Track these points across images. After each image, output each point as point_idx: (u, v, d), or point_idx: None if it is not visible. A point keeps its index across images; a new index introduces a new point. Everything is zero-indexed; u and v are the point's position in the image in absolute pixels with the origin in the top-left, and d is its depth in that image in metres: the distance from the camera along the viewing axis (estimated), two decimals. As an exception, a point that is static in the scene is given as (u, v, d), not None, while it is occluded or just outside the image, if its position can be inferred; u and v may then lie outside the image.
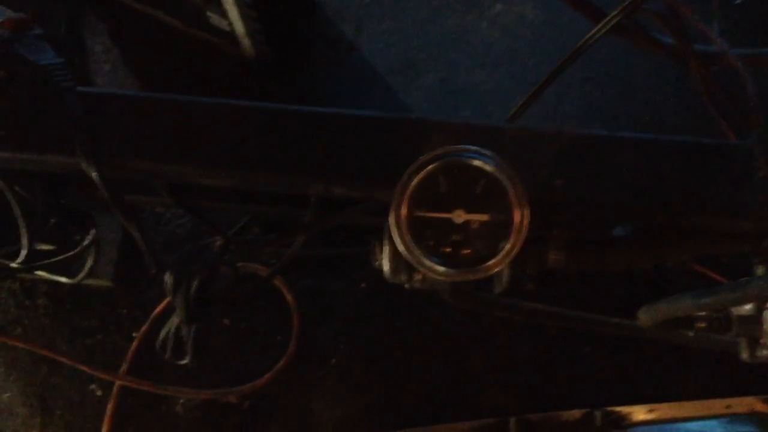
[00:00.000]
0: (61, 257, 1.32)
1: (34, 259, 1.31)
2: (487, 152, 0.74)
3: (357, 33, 1.32)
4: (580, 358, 1.61)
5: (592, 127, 1.33)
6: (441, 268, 0.74)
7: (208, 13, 1.19)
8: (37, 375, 1.67)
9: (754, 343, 1.12)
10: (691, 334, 1.22)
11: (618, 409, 1.56)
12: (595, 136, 0.83)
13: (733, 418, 1.56)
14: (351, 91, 1.29)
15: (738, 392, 1.55)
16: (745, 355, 1.13)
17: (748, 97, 0.77)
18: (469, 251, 0.75)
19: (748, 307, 1.11)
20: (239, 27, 1.16)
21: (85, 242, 1.33)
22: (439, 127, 0.84)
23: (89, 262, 1.46)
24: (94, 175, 0.83)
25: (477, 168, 0.73)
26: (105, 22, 1.29)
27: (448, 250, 0.75)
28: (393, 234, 0.73)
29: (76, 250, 1.33)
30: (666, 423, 1.57)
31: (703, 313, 1.10)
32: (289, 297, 1.64)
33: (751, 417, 1.56)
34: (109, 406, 1.63)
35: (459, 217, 0.73)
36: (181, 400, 1.63)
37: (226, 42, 1.21)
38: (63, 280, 1.51)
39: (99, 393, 1.67)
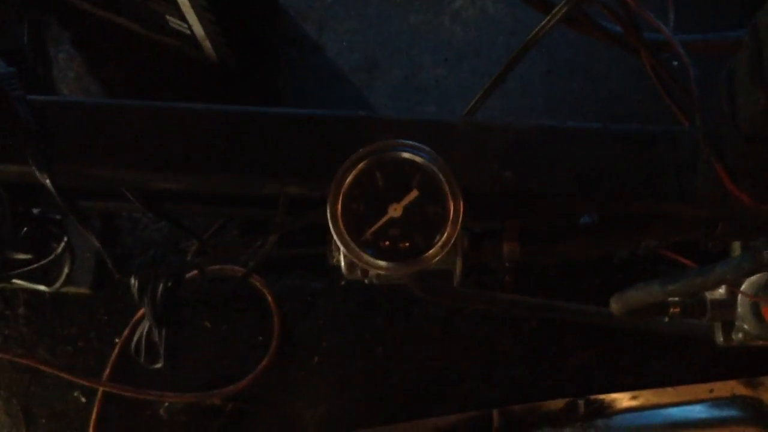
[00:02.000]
0: (34, 266, 1.32)
1: (10, 268, 1.32)
2: (420, 146, 0.75)
3: (320, 33, 1.33)
4: (561, 349, 1.61)
5: (556, 120, 1.33)
6: (379, 262, 0.75)
7: (168, 17, 1.20)
8: (20, 384, 1.68)
9: (729, 326, 1.13)
10: (666, 320, 1.22)
11: (601, 397, 1.57)
12: (543, 127, 0.84)
13: (716, 402, 1.56)
14: (315, 90, 1.29)
15: (720, 376, 1.55)
16: (720, 339, 1.14)
17: (690, 83, 0.77)
18: (407, 244, 0.76)
19: (721, 291, 1.12)
20: (198, 30, 1.17)
21: (58, 250, 1.34)
22: (390, 123, 0.84)
23: (65, 270, 1.47)
24: (46, 183, 0.84)
25: (408, 161, 0.74)
26: (68, 30, 1.29)
27: (386, 243, 0.76)
28: (331, 230, 0.74)
29: (49, 258, 1.33)
30: (649, 409, 1.58)
31: (677, 299, 1.11)
32: (269, 297, 1.65)
33: (733, 400, 1.56)
34: (94, 413, 1.64)
35: (395, 210, 0.75)
36: (165, 404, 1.64)
37: (187, 46, 1.22)
38: (41, 288, 1.52)
39: (83, 400, 1.67)
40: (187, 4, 1.11)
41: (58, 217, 1.32)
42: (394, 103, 1.29)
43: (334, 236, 0.75)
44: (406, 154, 0.75)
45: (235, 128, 0.86)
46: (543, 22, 0.89)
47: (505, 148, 0.82)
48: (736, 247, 1.08)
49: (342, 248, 0.74)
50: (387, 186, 0.76)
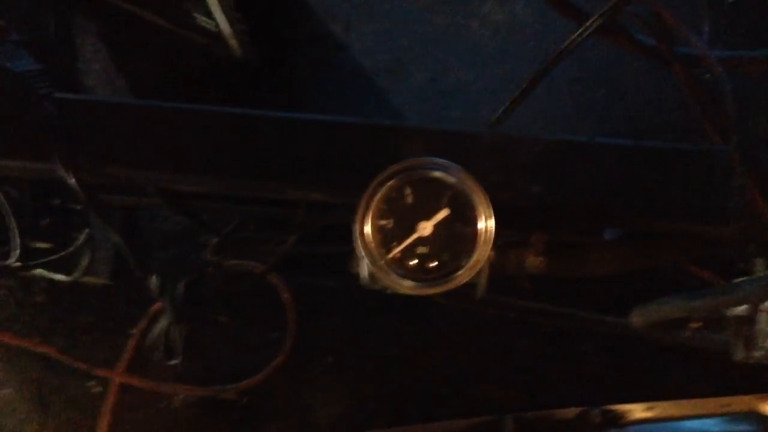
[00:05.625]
0: (55, 256, 1.33)
1: (31, 257, 1.33)
2: (452, 165, 0.73)
3: (346, 32, 1.31)
4: (577, 356, 1.60)
5: (582, 128, 1.32)
6: (407, 282, 0.73)
7: (195, 14, 1.19)
8: (36, 372, 1.69)
9: (749, 343, 1.11)
10: (686, 333, 1.20)
11: (615, 407, 1.55)
12: (572, 142, 0.83)
13: (732, 417, 1.54)
14: (340, 91, 1.28)
15: (737, 391, 1.53)
16: (740, 356, 1.12)
17: (726, 103, 0.76)
18: (435, 263, 0.74)
19: (742, 308, 1.10)
20: (225, 28, 1.16)
21: (79, 241, 1.34)
22: (416, 133, 0.83)
23: (85, 260, 1.47)
24: (71, 182, 0.84)
25: (440, 180, 0.72)
26: (94, 23, 1.29)
27: (414, 262, 0.74)
28: (359, 247, 0.72)
29: (70, 249, 1.34)
30: (664, 421, 1.56)
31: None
32: (285, 294, 1.64)
33: (749, 416, 1.54)
34: (108, 403, 1.64)
35: (425, 229, 0.73)
36: (180, 397, 1.64)
37: (214, 43, 1.21)
38: (60, 277, 1.52)
39: (97, 389, 1.68)
40: (216, 2, 1.10)
41: (78, 207, 1.33)
42: (419, 107, 1.27)
43: (363, 254, 0.73)
44: (437, 173, 0.73)
45: (258, 133, 0.86)
46: (576, 33, 0.87)
47: (533, 162, 0.81)
48: (760, 263, 1.06)
49: (370, 267, 0.73)
50: (417, 204, 0.75)
